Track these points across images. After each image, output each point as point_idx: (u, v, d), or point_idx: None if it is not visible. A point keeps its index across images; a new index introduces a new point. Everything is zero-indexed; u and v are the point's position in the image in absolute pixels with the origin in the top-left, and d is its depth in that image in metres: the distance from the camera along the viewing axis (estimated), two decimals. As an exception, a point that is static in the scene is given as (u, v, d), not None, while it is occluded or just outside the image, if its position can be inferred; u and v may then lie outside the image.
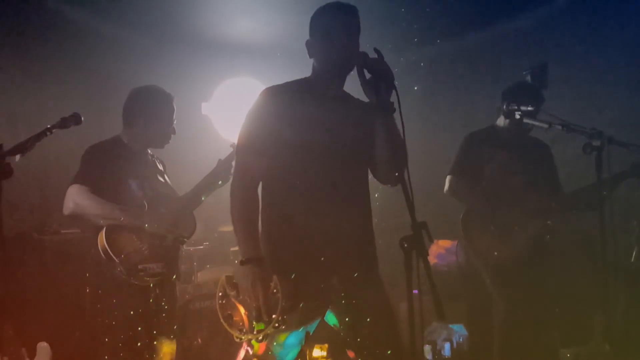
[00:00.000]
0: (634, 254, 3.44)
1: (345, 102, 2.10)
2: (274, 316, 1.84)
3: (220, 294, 1.96)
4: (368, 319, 1.98)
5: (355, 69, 1.88)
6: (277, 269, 1.90)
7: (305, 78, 2.08)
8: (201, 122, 4.74)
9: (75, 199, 2.42)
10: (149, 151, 2.73)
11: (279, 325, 1.84)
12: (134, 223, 2.46)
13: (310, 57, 2.04)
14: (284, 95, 1.99)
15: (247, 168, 1.95)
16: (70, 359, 2.92)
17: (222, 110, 4.79)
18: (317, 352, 3.58)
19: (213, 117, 4.83)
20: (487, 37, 4.56)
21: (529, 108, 2.74)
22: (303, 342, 1.96)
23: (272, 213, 1.99)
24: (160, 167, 2.79)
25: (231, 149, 2.79)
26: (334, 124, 2.01)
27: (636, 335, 3.03)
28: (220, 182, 2.72)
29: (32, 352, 2.74)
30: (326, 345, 3.54)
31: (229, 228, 4.29)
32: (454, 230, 3.43)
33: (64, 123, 2.16)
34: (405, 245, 1.61)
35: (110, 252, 2.39)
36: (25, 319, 3.09)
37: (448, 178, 3.01)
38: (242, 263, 1.89)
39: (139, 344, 2.41)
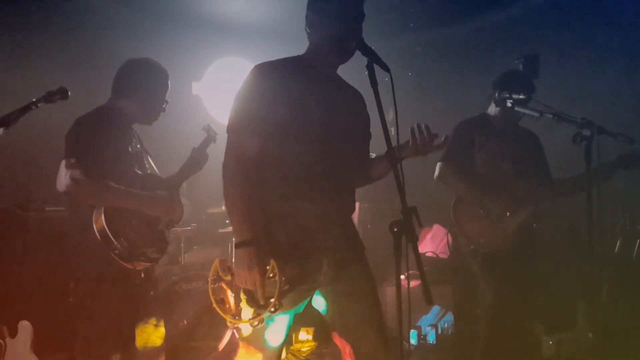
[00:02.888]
0: (617, 243, 3.50)
1: (339, 83, 2.09)
2: (272, 300, 1.80)
3: (213, 277, 1.91)
4: (355, 301, 1.98)
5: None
6: (271, 251, 1.87)
7: (299, 56, 2.04)
8: (192, 101, 4.68)
9: (72, 175, 2.21)
10: (133, 127, 2.59)
11: (276, 310, 1.82)
12: (142, 208, 2.36)
13: (310, 31, 1.99)
14: (278, 72, 1.94)
15: (240, 147, 1.88)
16: (52, 339, 2.89)
17: (214, 90, 4.73)
18: (303, 335, 3.61)
19: (204, 97, 4.77)
20: (481, 25, 4.57)
21: (521, 96, 2.74)
22: (291, 323, 1.96)
23: (265, 193, 1.94)
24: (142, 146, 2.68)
25: (205, 134, 2.74)
26: (329, 103, 1.98)
27: (618, 323, 3.09)
28: (195, 170, 2.64)
29: (14, 331, 2.71)
30: (312, 329, 3.57)
31: (217, 209, 4.28)
32: (444, 217, 3.44)
33: (50, 97, 2.09)
34: (395, 229, 1.61)
35: (110, 234, 2.25)
36: (7, 296, 3.06)
37: (439, 164, 3.01)
38: (237, 246, 1.83)
39: (125, 327, 2.37)
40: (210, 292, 1.91)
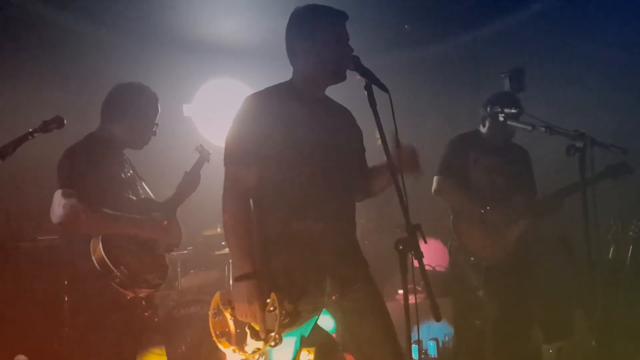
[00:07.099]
0: (611, 250, 3.54)
1: (328, 103, 2.12)
2: (272, 334, 1.80)
3: (214, 311, 1.91)
4: (364, 318, 1.97)
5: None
6: (272, 279, 1.87)
7: (287, 82, 2.06)
8: (183, 123, 4.67)
9: (69, 206, 2.17)
10: (124, 152, 2.58)
11: (276, 343, 1.81)
12: (139, 232, 2.34)
13: (301, 57, 2.00)
14: (269, 101, 1.97)
15: (237, 180, 1.90)
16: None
17: (205, 111, 4.72)
18: (304, 355, 3.56)
19: (195, 119, 4.76)
20: (469, 40, 4.66)
21: (513, 110, 2.78)
22: (298, 347, 1.94)
23: (266, 219, 1.96)
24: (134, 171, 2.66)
25: (197, 154, 2.76)
26: (321, 124, 2.01)
27: (615, 329, 3.11)
28: (189, 192, 2.66)
29: (10, 365, 2.64)
30: (313, 349, 3.53)
31: (213, 232, 4.24)
32: (439, 231, 3.45)
33: (45, 126, 2.08)
34: (401, 247, 1.62)
35: (110, 263, 2.21)
36: (2, 329, 2.98)
37: (436, 178, 3.04)
38: (237, 279, 1.84)
39: (127, 356, 2.32)
40: (211, 326, 1.91)
